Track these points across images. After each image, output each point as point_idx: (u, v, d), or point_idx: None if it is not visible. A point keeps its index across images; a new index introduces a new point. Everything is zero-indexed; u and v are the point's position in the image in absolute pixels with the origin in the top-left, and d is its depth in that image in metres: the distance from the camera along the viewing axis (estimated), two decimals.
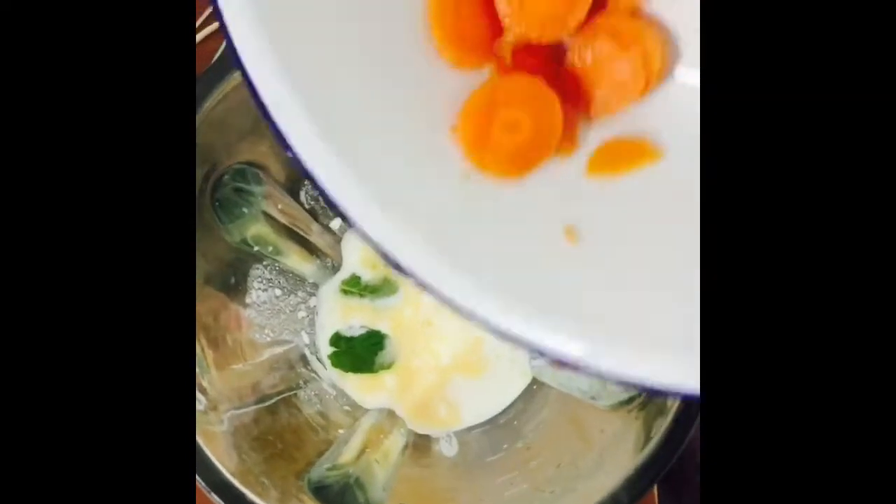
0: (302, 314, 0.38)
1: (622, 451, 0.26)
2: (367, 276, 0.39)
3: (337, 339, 0.38)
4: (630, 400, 0.30)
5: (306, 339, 0.38)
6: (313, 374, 0.37)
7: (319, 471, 0.30)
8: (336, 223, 0.39)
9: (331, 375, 0.38)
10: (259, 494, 0.25)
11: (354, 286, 0.39)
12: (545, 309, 0.17)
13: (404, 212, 0.16)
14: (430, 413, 0.38)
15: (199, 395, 0.27)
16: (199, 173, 0.29)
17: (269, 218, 0.33)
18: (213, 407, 0.28)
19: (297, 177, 0.35)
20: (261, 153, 0.32)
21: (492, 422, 0.38)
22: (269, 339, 0.35)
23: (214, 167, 0.30)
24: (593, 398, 0.33)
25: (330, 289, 0.39)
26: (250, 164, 0.32)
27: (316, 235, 0.37)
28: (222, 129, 0.29)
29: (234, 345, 0.32)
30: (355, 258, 0.39)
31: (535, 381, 0.39)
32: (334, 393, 0.37)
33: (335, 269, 0.39)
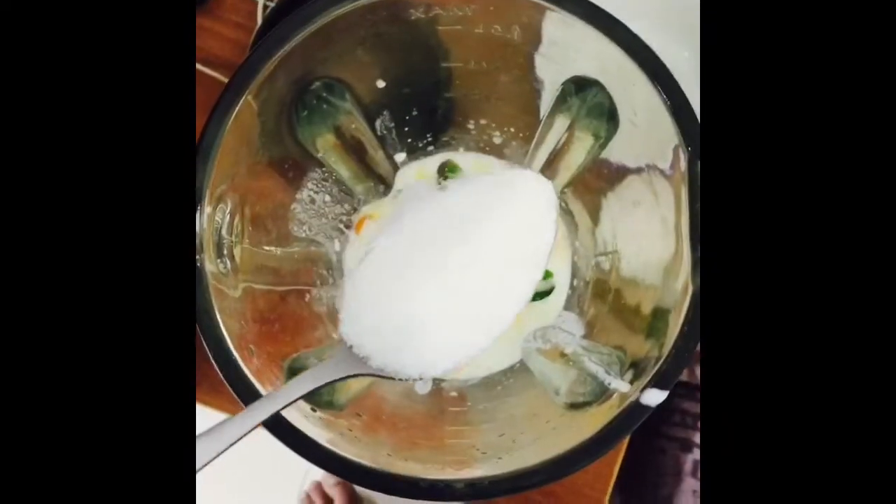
0: (342, 225, 0.42)
1: (552, 444, 0.29)
2: None
3: None
4: (585, 404, 0.32)
5: (337, 247, 0.42)
6: (331, 279, 0.41)
7: (301, 359, 0.34)
8: (400, 156, 0.43)
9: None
10: (243, 358, 0.29)
11: None
12: None
13: None
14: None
15: (226, 260, 0.31)
16: (293, 77, 0.32)
17: (339, 132, 0.37)
18: (235, 273, 0.32)
19: (379, 105, 0.38)
20: (353, 75, 0.35)
21: (467, 380, 0.41)
22: (304, 235, 0.39)
23: (309, 74, 0.33)
24: (556, 392, 0.35)
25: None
26: (341, 80, 0.35)
27: (377, 161, 0.41)
28: (326, 43, 0.32)
29: (272, 229, 0.36)
30: (406, 184, 0.43)
31: (521, 361, 0.42)
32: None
33: (385, 193, 0.42)
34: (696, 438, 0.61)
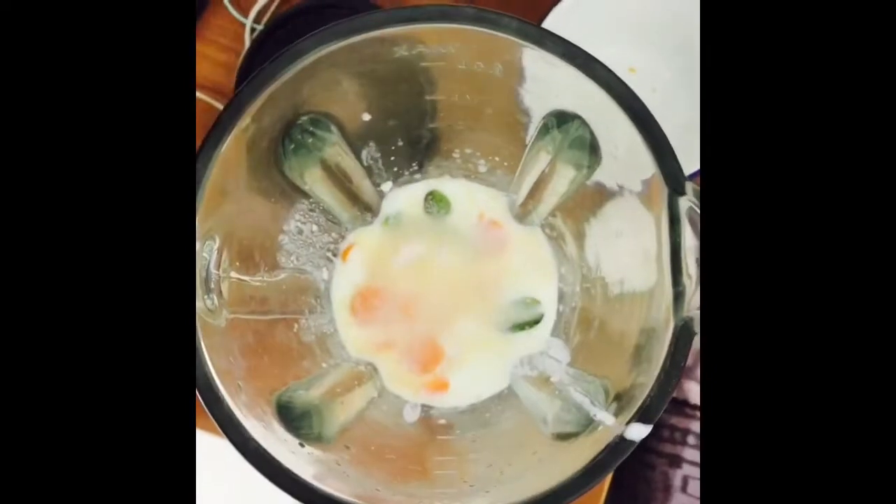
0: (329, 254, 0.42)
1: (540, 476, 0.29)
2: None
3: None
4: (571, 435, 0.33)
5: (325, 275, 0.42)
6: (319, 308, 0.41)
7: (290, 392, 0.34)
8: (387, 184, 0.43)
9: (335, 315, 0.42)
10: (230, 394, 0.29)
11: None
12: None
13: None
14: (407, 383, 0.42)
15: (213, 296, 0.31)
16: (280, 113, 0.33)
17: (326, 164, 0.37)
18: (222, 308, 0.32)
19: (365, 136, 0.38)
20: (340, 109, 0.36)
21: (456, 407, 0.42)
22: (292, 265, 0.39)
23: (296, 109, 0.34)
24: (544, 421, 0.36)
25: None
26: (327, 115, 0.35)
27: (363, 189, 0.41)
28: (312, 79, 0.32)
29: (260, 261, 0.36)
30: (392, 212, 0.43)
31: (509, 387, 0.42)
32: (331, 331, 0.41)
33: (371, 220, 0.43)
34: (685, 454, 0.61)
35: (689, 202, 0.29)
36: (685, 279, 0.29)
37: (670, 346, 0.28)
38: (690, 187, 0.29)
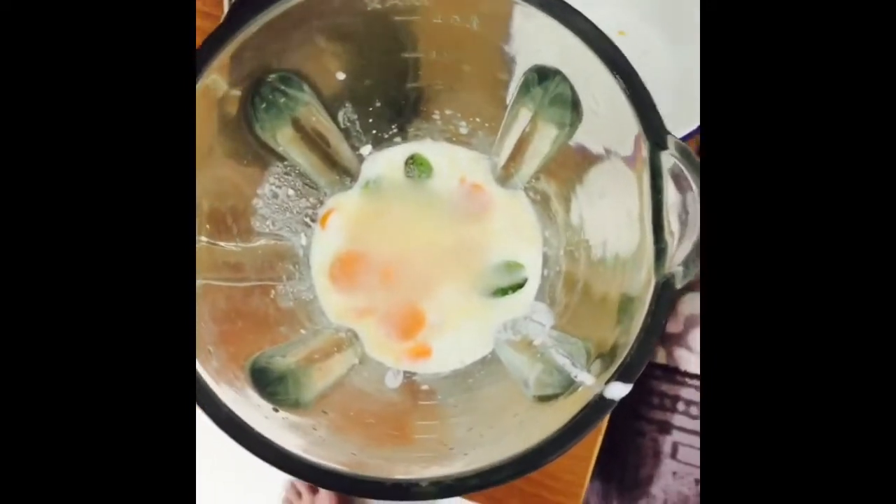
0: (307, 219, 0.41)
1: (520, 437, 0.29)
2: None
3: None
4: (552, 397, 0.32)
5: (303, 241, 0.41)
6: (297, 274, 0.40)
7: (265, 358, 0.33)
8: (366, 148, 0.42)
9: (314, 282, 0.41)
10: (201, 360, 0.28)
11: None
12: None
13: None
14: (389, 350, 0.42)
15: None
16: (248, 70, 0.31)
17: (299, 125, 0.36)
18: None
19: (340, 97, 0.37)
20: (311, 67, 0.34)
21: (439, 372, 0.41)
22: (268, 230, 0.38)
23: (264, 66, 0.32)
24: (526, 384, 0.35)
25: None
26: (298, 73, 0.34)
27: (341, 153, 0.40)
28: (280, 35, 0.31)
29: (232, 225, 0.35)
30: (372, 176, 0.42)
31: (492, 352, 0.41)
32: (311, 298, 0.41)
33: (350, 185, 0.42)
34: (675, 420, 0.61)
35: (671, 157, 0.28)
36: (667, 236, 0.28)
37: (651, 303, 0.28)
38: (673, 142, 0.28)
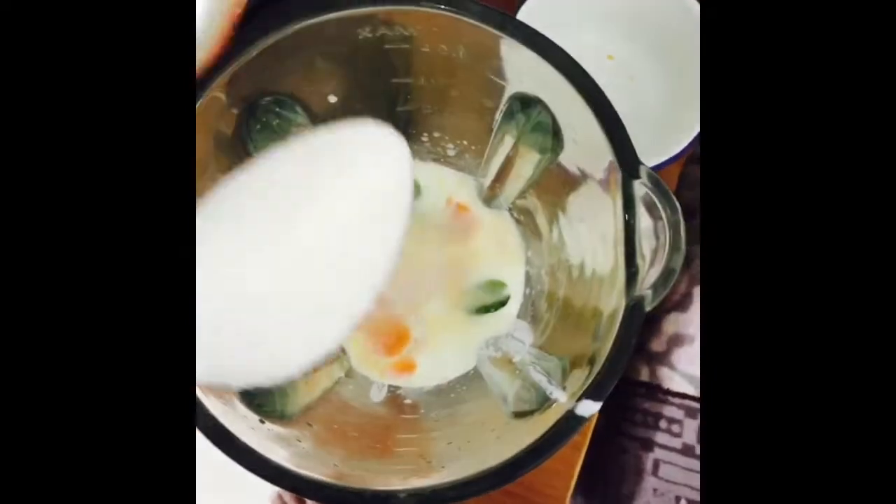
0: None
1: (496, 452, 0.30)
2: None
3: None
4: (528, 413, 0.33)
5: None
6: None
7: None
8: None
9: None
10: None
11: None
12: None
13: None
14: (374, 364, 0.43)
15: None
16: (243, 94, 0.33)
17: None
18: None
19: (332, 118, 0.39)
20: (305, 91, 0.36)
21: (423, 387, 0.42)
22: None
23: (259, 91, 0.34)
24: (504, 400, 0.36)
25: None
26: (292, 95, 0.35)
27: None
28: (274, 62, 0.32)
29: None
30: None
31: (474, 369, 0.43)
32: None
33: None
34: (657, 438, 0.62)
35: (643, 186, 0.29)
36: (638, 260, 0.29)
37: (621, 325, 0.29)
38: (645, 171, 0.30)
